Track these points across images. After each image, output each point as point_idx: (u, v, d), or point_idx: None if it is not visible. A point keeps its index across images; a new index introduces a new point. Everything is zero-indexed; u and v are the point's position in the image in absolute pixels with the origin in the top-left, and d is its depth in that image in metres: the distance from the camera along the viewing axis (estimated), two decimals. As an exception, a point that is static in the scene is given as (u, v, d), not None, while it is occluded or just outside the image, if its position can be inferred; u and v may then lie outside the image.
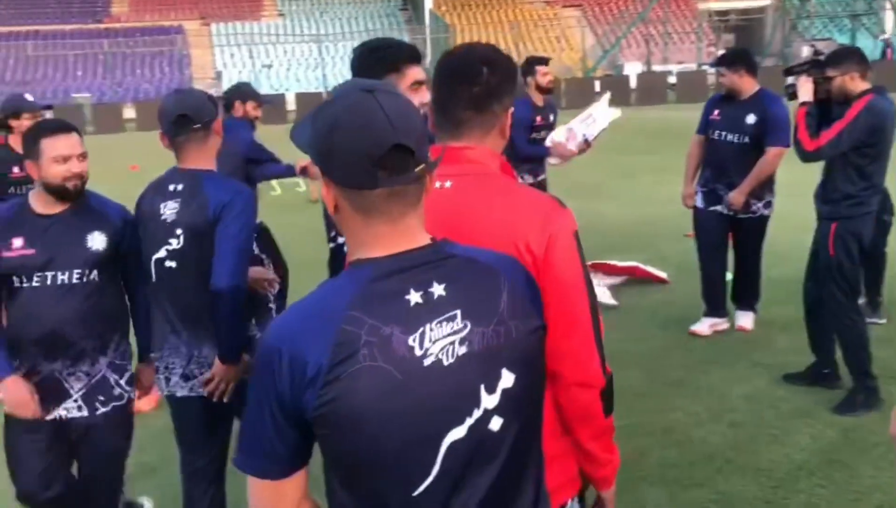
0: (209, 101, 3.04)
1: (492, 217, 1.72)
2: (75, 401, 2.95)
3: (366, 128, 1.32)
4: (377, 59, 2.42)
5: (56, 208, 2.94)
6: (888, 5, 39.62)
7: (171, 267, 2.95)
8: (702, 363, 5.30)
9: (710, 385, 4.95)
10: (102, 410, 3.00)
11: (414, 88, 2.43)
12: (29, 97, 5.17)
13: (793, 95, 4.67)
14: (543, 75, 6.52)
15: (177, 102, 2.98)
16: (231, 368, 2.92)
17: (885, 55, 33.90)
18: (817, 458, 4.00)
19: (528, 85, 6.50)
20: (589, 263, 6.37)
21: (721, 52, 6.06)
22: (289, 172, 5.49)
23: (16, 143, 4.71)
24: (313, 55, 43.01)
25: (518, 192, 1.81)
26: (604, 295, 6.59)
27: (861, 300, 5.05)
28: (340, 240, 2.83)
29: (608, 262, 7.24)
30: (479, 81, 1.78)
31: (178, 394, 3.02)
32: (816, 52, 4.84)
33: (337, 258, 2.63)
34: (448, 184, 1.73)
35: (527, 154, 6.37)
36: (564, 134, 6.21)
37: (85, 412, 2.97)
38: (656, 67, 39.07)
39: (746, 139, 5.50)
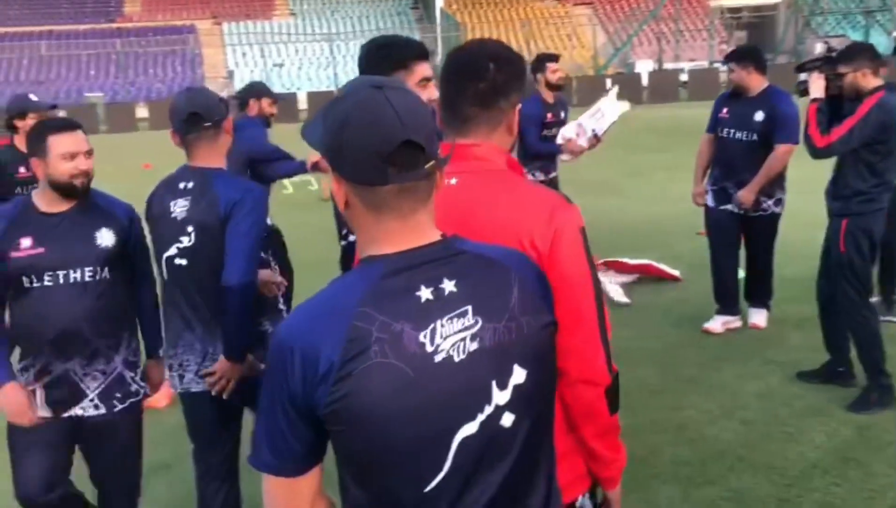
0: (220, 100, 3.06)
1: (497, 213, 1.71)
2: (91, 400, 2.94)
3: (375, 124, 1.32)
4: (384, 56, 2.41)
5: (62, 207, 2.92)
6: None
7: (182, 265, 2.97)
8: (715, 361, 5.28)
9: (723, 383, 4.94)
10: (120, 407, 2.99)
11: (422, 84, 2.43)
12: (34, 97, 5.16)
13: (804, 92, 4.65)
14: (553, 72, 6.51)
15: (188, 100, 2.99)
16: (235, 365, 2.93)
17: (899, 52, 33.63)
18: (831, 456, 3.98)
19: (538, 82, 6.49)
20: (601, 261, 6.34)
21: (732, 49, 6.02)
22: (300, 168, 5.50)
23: (21, 143, 4.70)
24: (324, 54, 43.12)
25: (524, 188, 1.80)
26: (616, 293, 6.58)
27: (875, 299, 5.02)
28: (352, 238, 2.83)
29: (621, 260, 7.22)
30: (485, 77, 1.78)
31: (193, 390, 3.03)
32: (829, 49, 4.81)
33: (348, 256, 2.63)
34: (454, 181, 1.73)
35: (538, 151, 6.37)
36: (574, 130, 6.20)
37: (102, 410, 2.96)
38: (668, 65, 38.97)
39: (755, 137, 5.48)
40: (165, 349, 3.13)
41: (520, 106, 1.86)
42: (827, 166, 4.68)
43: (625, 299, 6.55)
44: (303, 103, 31.16)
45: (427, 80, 2.46)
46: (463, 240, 1.43)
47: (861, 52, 4.50)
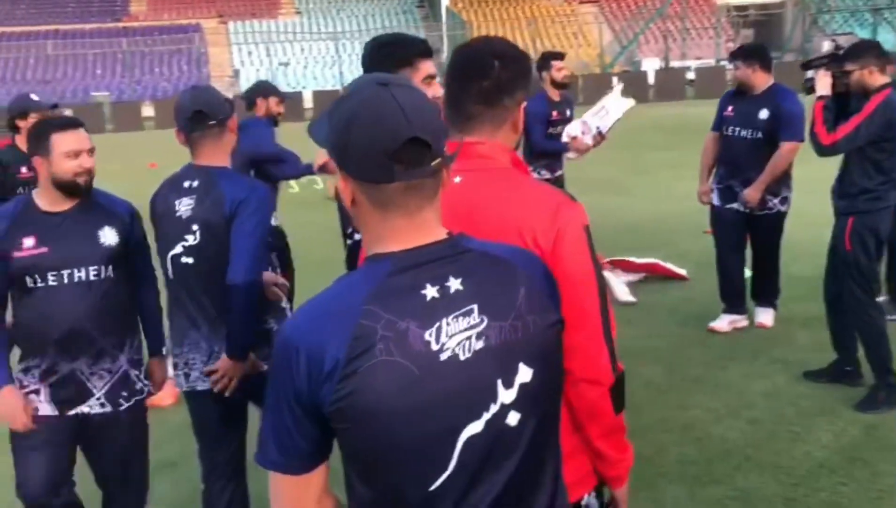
0: (226, 100, 3.06)
1: (501, 211, 1.71)
2: (98, 398, 2.93)
3: (381, 121, 1.32)
4: (389, 53, 2.41)
5: (64, 205, 2.90)
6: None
7: (187, 263, 2.97)
8: (721, 360, 5.26)
9: (730, 382, 4.92)
10: (125, 405, 2.99)
11: (427, 81, 2.42)
12: (35, 97, 5.16)
13: (811, 90, 4.64)
14: (558, 70, 6.51)
15: (193, 98, 2.99)
16: (237, 364, 2.93)
17: (906, 49, 33.52)
18: (839, 456, 3.96)
19: (543, 80, 6.49)
20: (608, 259, 6.34)
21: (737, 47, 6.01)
22: (307, 170, 5.49)
23: (23, 143, 4.67)
24: (330, 53, 43.12)
25: (528, 186, 1.80)
26: (622, 292, 6.57)
27: (882, 298, 4.99)
28: (357, 236, 2.83)
29: (627, 259, 7.21)
30: (489, 75, 1.77)
31: (199, 388, 3.03)
32: (837, 47, 4.79)
33: (354, 255, 2.63)
34: (458, 179, 1.72)
35: (543, 149, 6.36)
36: (579, 128, 6.19)
37: (108, 409, 2.95)
38: (674, 63, 38.87)
39: (760, 134, 5.46)
40: (170, 347, 3.13)
41: (525, 104, 1.85)
42: (834, 165, 4.66)
43: (631, 298, 6.54)
44: (308, 102, 31.16)
45: (431, 77, 2.45)
46: (469, 238, 1.43)
47: (868, 50, 4.48)
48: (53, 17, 46.67)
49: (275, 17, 48.27)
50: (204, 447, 3.16)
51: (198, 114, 2.93)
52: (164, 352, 3.23)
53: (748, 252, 5.86)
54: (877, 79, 4.37)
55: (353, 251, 2.82)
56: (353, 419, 1.31)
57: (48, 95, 37.46)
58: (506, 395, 1.36)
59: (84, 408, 2.92)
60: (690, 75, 33.39)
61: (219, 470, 3.13)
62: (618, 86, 6.41)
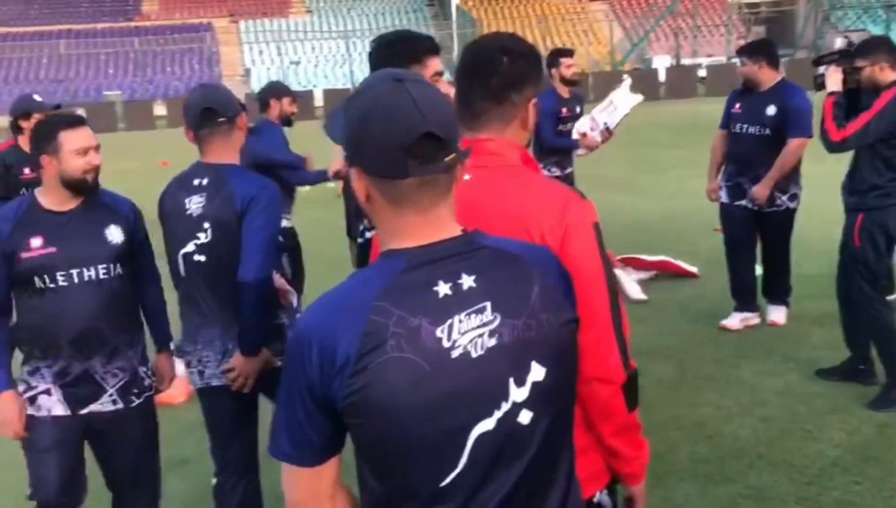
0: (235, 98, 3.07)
1: (509, 208, 1.70)
2: (110, 395, 2.92)
3: (395, 116, 1.32)
4: (398, 51, 2.40)
5: (70, 205, 2.86)
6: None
7: (199, 261, 2.98)
8: (733, 358, 5.24)
9: (741, 380, 4.90)
10: (137, 402, 3.00)
11: (434, 79, 2.42)
12: (38, 98, 5.16)
13: (822, 86, 4.62)
14: (568, 67, 6.50)
15: (202, 95, 3.01)
16: (251, 360, 2.95)
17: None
18: (851, 454, 3.94)
19: (552, 77, 6.48)
20: (619, 257, 6.31)
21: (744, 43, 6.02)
22: (321, 177, 5.45)
23: (26, 144, 4.65)
24: (341, 52, 43.19)
25: (537, 183, 1.79)
26: (633, 290, 6.55)
27: (894, 296, 4.96)
28: (368, 235, 2.84)
29: (638, 256, 7.19)
30: (497, 71, 1.77)
31: (214, 384, 3.04)
32: (849, 44, 4.77)
33: (365, 254, 2.64)
34: (467, 177, 1.72)
35: (553, 146, 6.35)
36: (588, 124, 6.18)
37: (120, 406, 2.95)
38: (685, 61, 38.76)
39: (767, 131, 5.44)
40: (183, 344, 3.14)
41: (535, 101, 1.83)
42: (846, 162, 4.64)
43: (642, 296, 6.52)
44: (319, 101, 31.25)
45: (439, 74, 2.46)
46: (484, 235, 1.42)
47: (879, 46, 4.46)
48: (66, 16, 46.93)
49: (286, 16, 48.38)
50: (217, 443, 3.17)
51: (207, 111, 2.94)
52: (172, 346, 3.24)
53: (759, 250, 5.83)
54: (888, 75, 4.34)
55: (363, 250, 2.83)
56: (364, 415, 1.31)
57: (61, 94, 37.77)
58: (518, 393, 1.36)
59: (96, 406, 2.92)
60: (702, 73, 33.29)
61: (231, 467, 3.14)
62: (626, 81, 6.39)
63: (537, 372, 1.37)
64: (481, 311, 1.34)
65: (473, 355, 1.33)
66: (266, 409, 3.14)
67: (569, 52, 6.68)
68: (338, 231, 6.51)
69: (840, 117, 4.40)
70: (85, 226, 2.87)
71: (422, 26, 43.08)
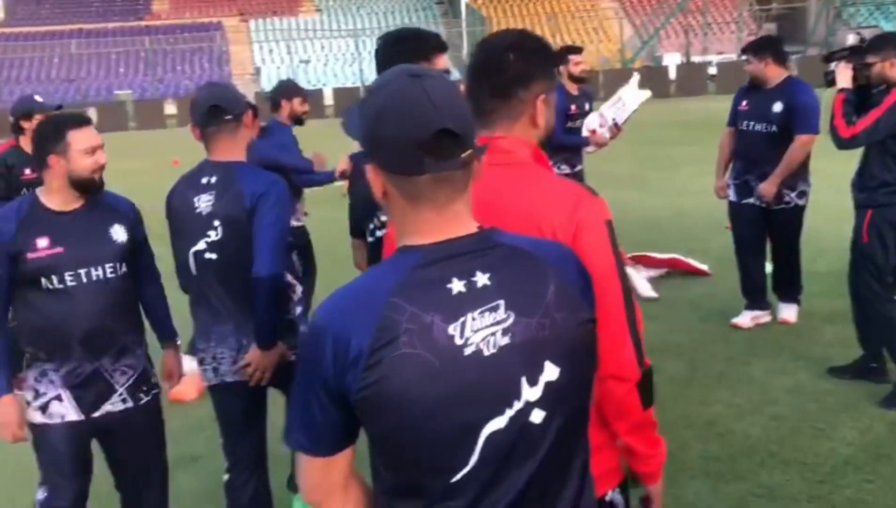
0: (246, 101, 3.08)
1: (520, 206, 1.70)
2: (120, 394, 2.93)
3: (411, 112, 1.31)
4: (407, 48, 2.40)
5: (74, 204, 2.86)
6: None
7: (211, 258, 2.99)
8: (743, 356, 5.22)
9: (752, 378, 4.89)
10: (145, 400, 3.01)
11: None
12: (39, 98, 5.17)
13: (832, 82, 4.60)
14: (576, 65, 6.49)
15: (209, 93, 3.04)
16: (267, 353, 2.97)
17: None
18: (864, 453, 3.92)
19: (560, 74, 6.46)
20: (629, 255, 6.27)
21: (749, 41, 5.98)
22: (328, 178, 5.46)
23: (27, 144, 4.67)
24: (350, 50, 43.21)
25: (548, 180, 1.78)
26: (644, 288, 6.54)
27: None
28: (379, 233, 2.84)
29: (648, 254, 7.17)
30: (503, 68, 1.77)
31: (228, 380, 3.06)
32: (862, 40, 4.74)
33: (377, 251, 2.64)
34: None
35: (563, 143, 6.34)
36: (597, 120, 6.17)
37: (130, 404, 2.96)
38: (696, 58, 38.60)
39: (774, 128, 5.41)
40: (197, 342, 3.16)
41: (544, 97, 1.82)
42: (859, 159, 4.62)
43: (652, 294, 6.50)
44: (329, 99, 31.29)
45: (446, 73, 2.45)
46: (502, 233, 1.42)
47: (889, 42, 4.43)
48: (77, 16, 47.13)
49: (295, 15, 48.43)
50: (229, 440, 3.18)
51: (214, 108, 2.96)
52: (179, 342, 3.26)
53: (769, 247, 5.81)
54: (899, 71, 4.32)
55: (374, 248, 2.83)
56: (376, 409, 1.32)
57: (72, 93, 37.95)
58: (530, 393, 1.35)
59: (108, 406, 2.91)
60: (712, 70, 33.14)
61: (242, 463, 3.16)
62: (634, 77, 6.38)
63: (551, 372, 1.36)
64: (495, 309, 1.34)
65: (486, 353, 1.33)
66: (274, 407, 3.16)
67: (577, 50, 6.67)
68: (346, 230, 6.51)
69: (850, 114, 4.39)
70: (90, 225, 2.87)
71: (431, 24, 43.05)
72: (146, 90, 40.48)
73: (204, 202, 2.97)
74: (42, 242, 2.78)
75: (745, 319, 5.73)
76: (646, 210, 9.83)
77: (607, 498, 1.78)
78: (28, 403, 2.89)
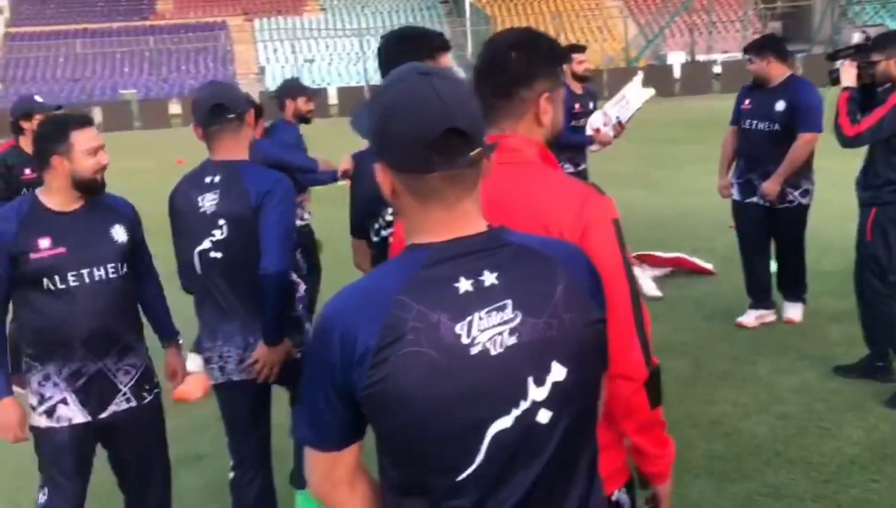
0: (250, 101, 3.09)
1: (527, 205, 1.69)
2: (124, 394, 2.93)
3: (419, 111, 1.31)
4: (412, 48, 2.38)
5: (75, 205, 2.85)
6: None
7: (216, 257, 3.00)
8: (749, 355, 5.21)
9: (758, 377, 4.88)
10: (148, 398, 3.01)
11: None
12: (39, 99, 5.17)
13: (837, 80, 4.59)
14: (579, 63, 6.47)
15: (212, 92, 3.04)
16: (274, 350, 2.98)
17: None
18: (869, 452, 3.91)
19: (563, 73, 6.45)
20: (634, 254, 6.26)
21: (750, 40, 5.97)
22: (332, 178, 5.46)
23: (27, 144, 4.66)
24: (354, 49, 43.22)
25: (555, 179, 1.78)
26: (649, 287, 6.53)
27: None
28: (384, 233, 2.83)
29: (653, 253, 7.17)
30: (505, 67, 1.77)
31: (235, 378, 3.07)
32: (867, 39, 4.73)
33: (382, 251, 2.63)
34: None
35: (568, 142, 6.32)
36: (601, 119, 6.17)
37: (133, 404, 2.96)
38: (700, 57, 38.54)
39: (776, 126, 5.40)
40: (202, 341, 3.16)
41: (547, 95, 1.81)
42: (864, 157, 4.61)
43: (657, 293, 6.50)
44: (333, 99, 31.28)
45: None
46: (511, 232, 1.41)
47: (894, 40, 4.42)
48: (82, 16, 47.21)
49: (300, 14, 48.46)
50: (234, 438, 3.19)
51: (217, 107, 2.96)
52: (181, 340, 3.26)
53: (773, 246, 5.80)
54: (903, 70, 4.32)
55: (379, 248, 2.82)
56: (383, 406, 1.32)
57: (77, 93, 37.98)
58: (537, 393, 1.35)
59: (112, 407, 2.91)
60: (717, 69, 33.07)
61: (248, 462, 3.17)
62: (638, 75, 6.37)
63: (558, 372, 1.36)
64: (502, 309, 1.34)
65: (492, 352, 1.32)
66: (278, 407, 3.17)
67: (580, 48, 6.66)
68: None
69: (854, 112, 4.38)
70: (91, 226, 2.87)
71: (435, 24, 43.02)
72: (151, 90, 40.53)
73: (208, 201, 2.98)
74: (44, 242, 2.78)
75: (750, 318, 5.72)
76: (650, 209, 9.82)
77: (613, 498, 1.78)
78: (33, 408, 2.88)
